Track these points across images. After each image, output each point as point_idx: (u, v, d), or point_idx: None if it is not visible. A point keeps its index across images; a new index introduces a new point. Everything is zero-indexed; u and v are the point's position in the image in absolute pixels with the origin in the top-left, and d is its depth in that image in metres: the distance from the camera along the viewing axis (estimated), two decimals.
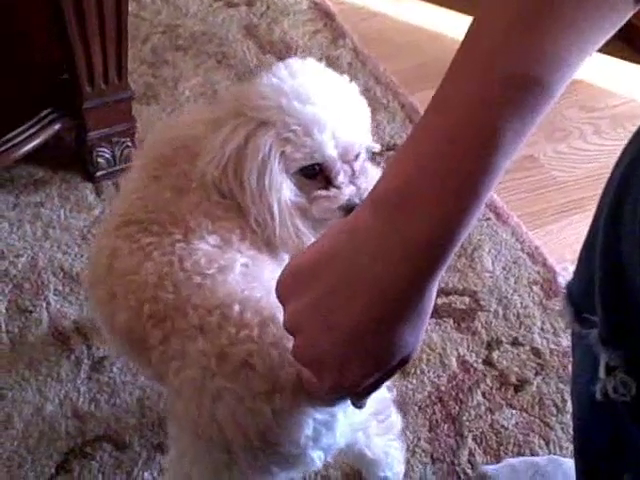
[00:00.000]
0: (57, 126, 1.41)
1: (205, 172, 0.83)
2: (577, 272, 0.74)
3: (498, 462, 1.12)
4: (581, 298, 0.70)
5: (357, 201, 0.83)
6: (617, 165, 0.64)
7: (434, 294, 0.54)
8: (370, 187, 0.75)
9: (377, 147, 0.91)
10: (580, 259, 0.73)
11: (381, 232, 0.50)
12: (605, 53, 1.86)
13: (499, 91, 0.47)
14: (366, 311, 0.52)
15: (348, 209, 0.83)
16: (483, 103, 0.47)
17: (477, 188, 0.49)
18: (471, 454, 1.14)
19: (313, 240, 0.81)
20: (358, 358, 0.53)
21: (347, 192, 0.84)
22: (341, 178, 0.84)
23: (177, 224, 0.80)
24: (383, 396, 0.92)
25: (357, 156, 0.86)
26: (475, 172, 0.48)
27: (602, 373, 0.65)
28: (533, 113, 0.48)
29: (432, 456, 1.13)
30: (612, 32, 0.49)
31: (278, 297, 0.56)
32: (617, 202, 0.61)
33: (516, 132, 0.48)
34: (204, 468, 0.80)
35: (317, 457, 0.77)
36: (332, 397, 0.61)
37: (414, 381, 1.21)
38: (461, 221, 0.49)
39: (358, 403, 0.62)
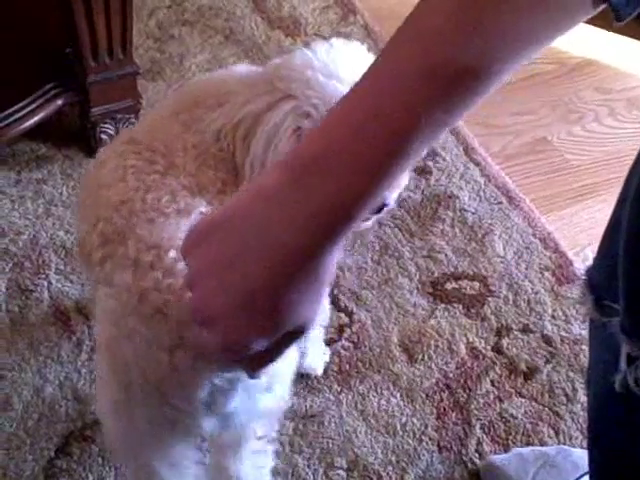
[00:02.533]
0: (60, 101, 1.38)
1: (216, 122, 0.82)
2: (598, 257, 0.72)
3: (506, 451, 1.10)
4: (602, 285, 0.68)
5: None
6: None
7: (331, 268, 0.53)
8: None
9: None
10: (602, 244, 0.71)
11: (287, 197, 0.50)
12: (622, 34, 1.82)
13: (429, 78, 0.47)
14: (261, 275, 0.52)
15: None
16: (412, 87, 0.47)
17: (388, 168, 0.49)
18: (479, 443, 1.11)
19: None
20: (248, 320, 0.53)
21: None
22: None
23: (166, 157, 0.80)
24: (278, 405, 0.88)
25: None
26: (388, 152, 0.48)
27: (623, 364, 0.63)
28: (460, 104, 0.48)
29: (439, 445, 1.11)
30: (565, 31, 0.49)
31: (183, 250, 0.56)
32: None
33: (438, 121, 0.48)
34: (108, 398, 0.81)
35: (209, 425, 0.78)
36: (223, 358, 0.61)
37: (421, 367, 1.19)
38: (366, 197, 0.50)
39: (252, 373, 0.61)
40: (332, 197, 0.49)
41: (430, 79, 0.47)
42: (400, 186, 0.89)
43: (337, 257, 0.53)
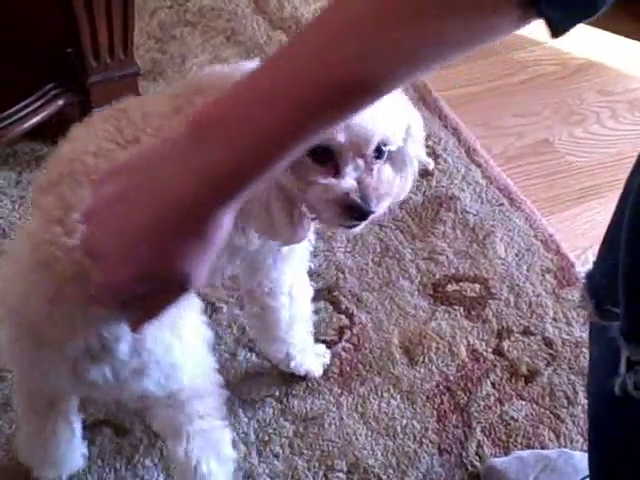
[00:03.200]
0: (61, 101, 1.38)
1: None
2: (598, 261, 0.71)
3: (507, 454, 1.10)
4: (603, 288, 0.68)
5: (356, 198, 0.78)
6: None
7: (222, 229, 0.55)
8: (379, 187, 0.73)
9: (430, 164, 0.91)
10: (603, 247, 0.71)
11: (186, 148, 0.53)
12: (624, 35, 1.82)
13: (320, 86, 0.49)
14: (148, 220, 0.54)
15: (344, 204, 0.77)
16: (303, 87, 0.50)
17: (284, 140, 0.51)
18: (479, 446, 1.11)
19: (284, 221, 0.81)
20: (130, 261, 0.56)
21: (346, 185, 0.77)
22: (348, 170, 0.78)
23: (136, 131, 0.81)
24: (198, 383, 0.90)
25: (379, 153, 0.81)
26: (278, 132, 0.51)
27: (623, 368, 0.63)
28: (350, 110, 0.51)
29: (439, 447, 1.11)
30: (487, 41, 0.49)
31: (91, 189, 0.60)
32: None
33: (328, 118, 0.51)
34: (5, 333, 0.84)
35: (98, 376, 0.80)
36: (104, 298, 0.63)
37: (422, 370, 1.18)
38: (259, 164, 0.52)
39: (132, 325, 0.64)
40: (224, 155, 0.52)
41: (320, 88, 0.49)
42: (402, 194, 0.88)
43: (229, 222, 0.55)
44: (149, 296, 0.59)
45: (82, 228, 0.60)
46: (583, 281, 0.73)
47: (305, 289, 1.06)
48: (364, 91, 0.50)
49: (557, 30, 0.48)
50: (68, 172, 0.79)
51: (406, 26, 0.47)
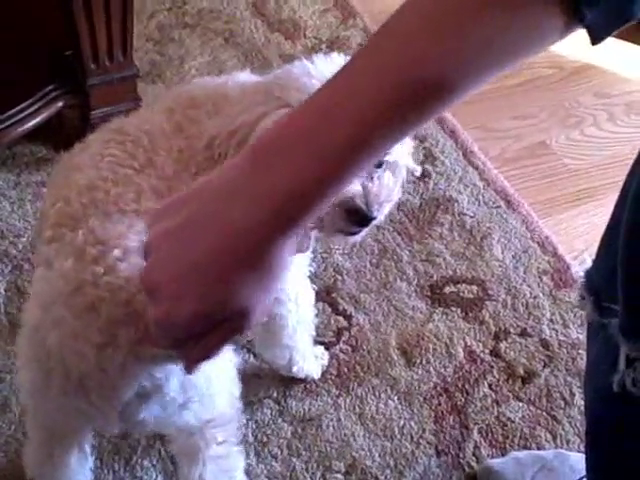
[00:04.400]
0: (60, 104, 1.38)
1: (211, 130, 0.81)
2: (598, 258, 0.72)
3: (504, 455, 1.10)
4: (602, 286, 0.68)
5: (361, 204, 0.78)
6: None
7: (285, 260, 0.53)
8: (381, 194, 0.73)
9: (417, 171, 0.90)
10: (601, 245, 0.71)
11: (250, 176, 0.51)
12: (620, 38, 1.82)
13: (396, 90, 0.48)
14: (211, 251, 0.52)
15: (350, 209, 0.78)
16: (380, 91, 0.48)
17: (347, 158, 0.49)
18: (476, 447, 1.12)
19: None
20: (191, 295, 0.53)
21: (352, 190, 0.78)
22: None
23: (147, 153, 0.79)
24: (226, 411, 0.89)
25: (380, 161, 0.82)
26: (348, 144, 0.49)
27: (622, 365, 0.63)
28: (425, 114, 0.50)
29: (437, 448, 1.11)
30: (536, 52, 0.50)
31: (149, 221, 0.57)
32: None
33: (404, 124, 0.50)
34: (27, 379, 0.83)
35: (147, 415, 0.78)
36: (162, 336, 0.57)
37: (419, 371, 1.19)
38: (322, 185, 0.50)
39: (188, 364, 0.60)
40: (287, 179, 0.49)
41: (399, 89, 0.48)
42: (392, 201, 0.88)
43: (292, 251, 0.53)
44: (207, 334, 0.55)
45: (140, 264, 0.57)
46: (582, 280, 0.73)
47: (308, 294, 1.06)
48: (441, 92, 0.48)
49: (597, 39, 0.48)
50: (90, 202, 0.76)
51: (474, 19, 0.47)
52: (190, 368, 0.60)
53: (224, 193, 0.52)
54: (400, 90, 0.48)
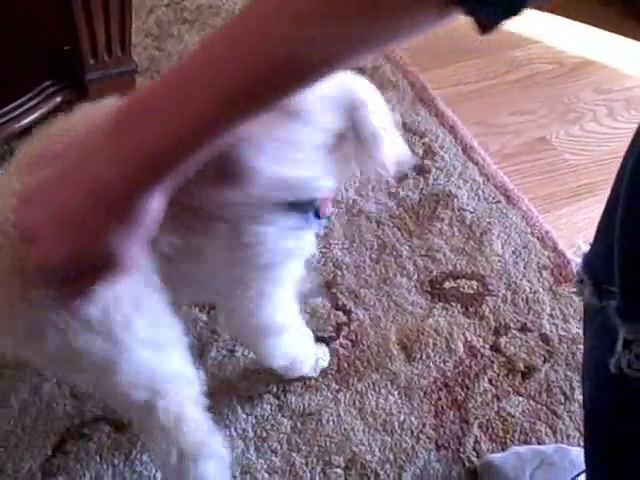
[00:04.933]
0: (58, 99, 1.38)
1: None
2: (596, 242, 0.72)
3: (504, 450, 1.10)
4: (600, 268, 0.68)
5: None
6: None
7: (150, 212, 0.58)
8: None
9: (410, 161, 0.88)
10: (599, 228, 0.71)
11: (111, 134, 0.56)
12: (620, 34, 1.82)
13: (248, 67, 0.52)
14: (79, 203, 0.58)
15: None
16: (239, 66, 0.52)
17: (195, 132, 0.54)
18: (477, 442, 1.11)
19: None
20: (63, 241, 0.59)
21: None
22: None
23: None
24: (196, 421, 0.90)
25: None
26: (196, 121, 0.54)
27: (619, 346, 0.63)
28: (279, 93, 0.54)
29: (437, 443, 1.11)
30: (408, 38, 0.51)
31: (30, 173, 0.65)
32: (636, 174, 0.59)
33: (254, 103, 0.54)
34: None
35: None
36: (42, 278, 0.65)
37: (419, 366, 1.19)
38: (179, 147, 0.55)
39: (65, 303, 0.68)
40: (145, 141, 0.55)
41: (251, 66, 0.52)
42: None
43: (158, 205, 0.58)
44: (81, 275, 0.62)
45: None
46: (579, 264, 0.73)
47: (294, 310, 1.04)
48: (298, 73, 0.52)
49: (487, 26, 0.49)
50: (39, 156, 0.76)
51: (340, 16, 0.49)
52: (67, 307, 0.68)
53: (90, 150, 0.58)
54: (252, 67, 0.52)
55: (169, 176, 0.57)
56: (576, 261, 0.77)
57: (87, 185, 0.57)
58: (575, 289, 0.73)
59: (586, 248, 0.75)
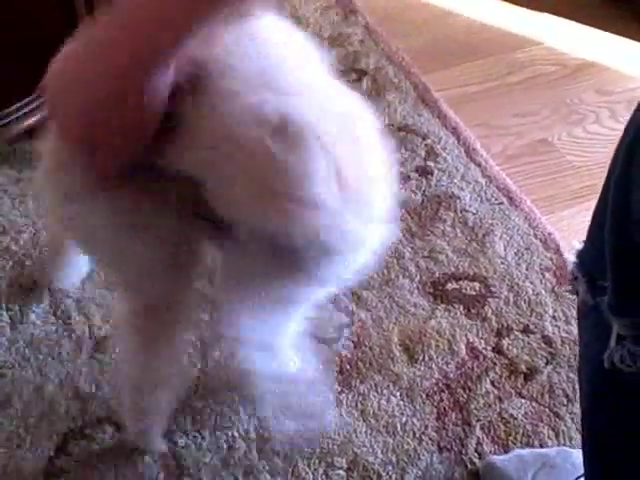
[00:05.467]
0: None
1: None
2: (589, 238, 0.72)
3: (506, 452, 1.10)
4: (593, 265, 0.69)
5: None
6: (630, 123, 0.62)
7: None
8: None
9: None
10: (592, 225, 0.71)
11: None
12: (622, 35, 1.82)
13: None
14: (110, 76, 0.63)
15: None
16: None
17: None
18: (479, 443, 1.11)
19: None
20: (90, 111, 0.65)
21: None
22: None
23: None
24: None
25: None
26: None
27: (613, 342, 0.64)
28: None
29: (439, 445, 1.11)
30: None
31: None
32: (629, 159, 0.59)
33: None
34: None
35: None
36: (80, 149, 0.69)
37: (422, 367, 1.19)
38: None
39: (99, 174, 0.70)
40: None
41: None
42: None
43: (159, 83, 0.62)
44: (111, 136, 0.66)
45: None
46: (574, 261, 0.73)
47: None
48: None
49: None
50: None
51: None
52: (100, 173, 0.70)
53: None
54: None
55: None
56: (572, 260, 0.77)
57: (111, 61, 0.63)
58: (570, 285, 0.73)
59: (578, 245, 0.75)
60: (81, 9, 1.25)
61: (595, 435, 0.80)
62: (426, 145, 1.53)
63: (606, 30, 1.83)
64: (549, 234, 1.39)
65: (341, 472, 1.08)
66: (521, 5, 1.86)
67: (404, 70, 1.68)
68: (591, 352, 0.72)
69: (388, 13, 1.80)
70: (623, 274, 0.63)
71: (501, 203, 1.43)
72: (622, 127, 1.73)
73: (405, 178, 1.46)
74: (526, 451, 1.09)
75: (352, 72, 1.66)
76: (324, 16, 1.79)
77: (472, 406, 1.15)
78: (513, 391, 1.17)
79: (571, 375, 1.19)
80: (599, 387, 0.73)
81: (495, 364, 1.20)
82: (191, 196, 0.73)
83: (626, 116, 1.75)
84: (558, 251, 1.36)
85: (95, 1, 1.24)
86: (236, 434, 1.09)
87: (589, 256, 0.70)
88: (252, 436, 1.10)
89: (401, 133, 1.54)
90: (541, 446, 1.11)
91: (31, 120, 1.35)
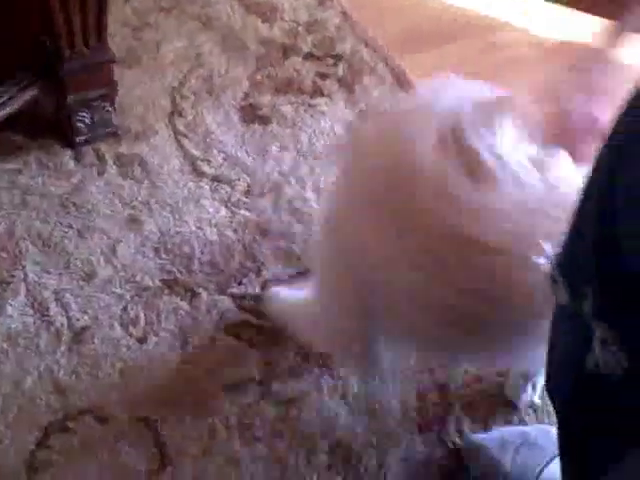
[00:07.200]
0: (35, 91, 1.37)
1: None
2: (567, 241, 0.71)
3: (487, 431, 1.11)
4: (573, 267, 0.68)
5: None
6: (615, 132, 0.62)
7: None
8: None
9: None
10: (572, 227, 0.71)
11: None
12: (603, 16, 1.82)
13: None
14: None
15: None
16: None
17: None
18: (459, 423, 1.12)
19: None
20: None
21: None
22: None
23: None
24: None
25: None
26: None
27: (597, 346, 0.63)
28: None
29: (419, 425, 1.11)
30: None
31: None
32: (611, 172, 0.59)
33: None
34: None
35: None
36: None
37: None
38: None
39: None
40: None
41: None
42: None
43: None
44: None
45: None
46: (552, 262, 0.72)
47: None
48: None
49: None
50: None
51: None
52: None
53: None
54: None
55: None
56: (540, 262, 0.77)
57: None
58: (550, 288, 0.72)
59: (549, 249, 0.75)
60: (55, 0, 1.23)
61: (571, 434, 0.79)
62: None
63: (587, 12, 1.82)
64: None
65: (323, 456, 1.08)
66: None
67: (380, 53, 1.67)
68: (570, 356, 0.71)
69: (364, 1, 1.79)
70: (609, 283, 0.62)
71: None
72: None
73: None
74: (506, 429, 1.10)
75: (329, 57, 1.65)
76: (299, 1, 1.78)
77: (452, 386, 1.16)
78: (492, 370, 1.18)
79: None
80: (578, 390, 0.73)
81: None
82: None
83: None
84: None
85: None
86: (217, 422, 1.09)
87: (568, 259, 0.70)
88: (233, 423, 1.10)
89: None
90: (521, 423, 1.12)
91: (4, 111, 1.33)
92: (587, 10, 1.82)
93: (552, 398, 0.81)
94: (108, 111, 1.41)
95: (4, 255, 1.25)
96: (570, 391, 0.75)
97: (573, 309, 0.67)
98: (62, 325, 1.18)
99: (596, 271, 0.62)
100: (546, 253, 0.78)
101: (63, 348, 1.16)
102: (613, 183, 0.59)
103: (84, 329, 1.18)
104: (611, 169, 0.60)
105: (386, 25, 1.75)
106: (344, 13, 1.75)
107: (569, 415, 0.78)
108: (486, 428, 1.12)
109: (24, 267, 1.24)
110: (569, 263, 0.69)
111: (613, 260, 0.60)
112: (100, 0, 1.27)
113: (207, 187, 1.38)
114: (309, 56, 1.65)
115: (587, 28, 1.79)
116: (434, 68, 1.66)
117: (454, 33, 1.73)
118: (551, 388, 0.80)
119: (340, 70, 1.63)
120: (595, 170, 0.64)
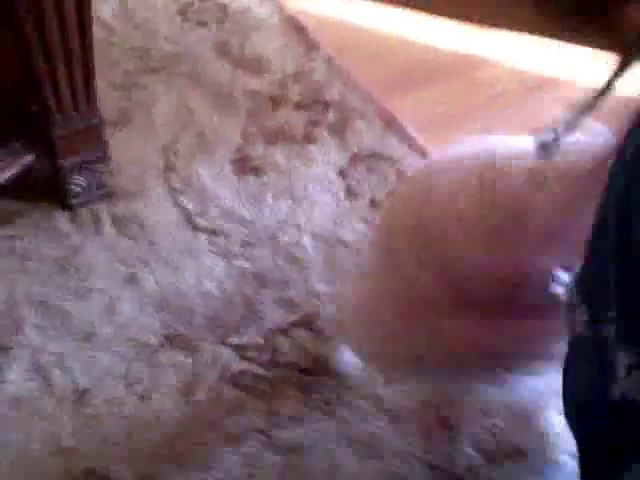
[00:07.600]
0: (29, 157, 1.39)
1: None
2: (586, 268, 0.69)
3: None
4: (592, 294, 0.66)
5: None
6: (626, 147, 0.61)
7: None
8: None
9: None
10: (589, 250, 0.68)
11: None
12: (580, 44, 1.84)
13: None
14: None
15: None
16: None
17: None
18: (468, 458, 1.11)
19: None
20: None
21: None
22: None
23: None
24: None
25: None
26: None
27: (622, 373, 0.61)
28: None
29: (429, 464, 1.10)
30: None
31: None
32: (627, 187, 0.58)
33: None
34: None
35: None
36: None
37: (404, 387, 1.18)
38: None
39: None
40: None
41: None
42: None
43: None
44: None
45: None
46: (570, 287, 0.70)
47: None
48: None
49: None
50: None
51: None
52: None
53: None
54: None
55: None
56: (564, 288, 0.74)
57: None
58: (566, 315, 0.70)
59: (564, 276, 0.73)
60: (41, 68, 1.26)
61: (599, 465, 0.77)
62: (396, 170, 1.54)
63: (571, 42, 1.83)
64: None
65: None
66: (472, 22, 1.87)
67: (368, 99, 1.69)
68: (592, 386, 0.69)
69: (346, 45, 1.82)
70: (633, 302, 0.61)
71: None
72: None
73: (378, 204, 1.47)
74: None
75: (318, 104, 1.68)
76: (285, 52, 1.81)
77: (458, 421, 1.14)
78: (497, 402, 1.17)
79: None
80: (603, 420, 0.70)
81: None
82: None
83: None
84: None
85: (53, 58, 1.25)
86: (221, 474, 1.08)
87: (588, 286, 0.67)
88: (236, 474, 1.09)
89: (370, 160, 1.55)
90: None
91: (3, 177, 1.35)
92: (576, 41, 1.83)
93: (572, 427, 0.78)
94: (102, 172, 1.43)
95: (6, 322, 1.26)
96: (593, 423, 0.73)
97: (592, 336, 0.65)
98: (65, 388, 1.18)
99: (618, 289, 0.61)
100: (562, 281, 0.76)
101: (67, 411, 1.16)
102: (629, 194, 0.58)
103: (87, 391, 1.18)
104: (627, 185, 0.59)
105: (371, 69, 1.77)
106: (329, 60, 1.78)
107: (596, 447, 0.75)
108: (496, 464, 1.10)
109: (25, 332, 1.24)
110: (589, 288, 0.67)
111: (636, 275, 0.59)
112: (87, 66, 1.29)
113: (205, 241, 1.39)
114: (298, 105, 1.67)
115: (572, 62, 1.81)
116: (421, 109, 1.69)
117: (439, 73, 1.76)
118: (571, 421, 0.78)
119: (330, 116, 1.65)
120: (610, 187, 0.64)
